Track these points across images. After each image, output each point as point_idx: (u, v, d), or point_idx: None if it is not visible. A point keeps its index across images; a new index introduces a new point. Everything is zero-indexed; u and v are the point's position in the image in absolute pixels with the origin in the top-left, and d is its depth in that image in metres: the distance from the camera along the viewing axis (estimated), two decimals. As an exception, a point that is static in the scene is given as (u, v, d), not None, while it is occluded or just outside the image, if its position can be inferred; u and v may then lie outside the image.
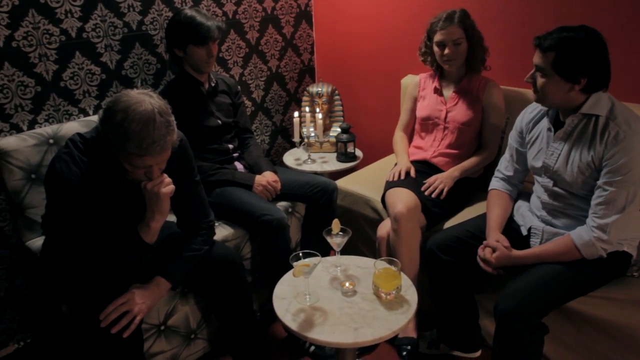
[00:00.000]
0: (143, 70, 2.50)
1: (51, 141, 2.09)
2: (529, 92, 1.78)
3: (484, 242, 1.85)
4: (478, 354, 2.07)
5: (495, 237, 1.83)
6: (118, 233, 1.62)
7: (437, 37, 2.22)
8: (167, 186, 1.60)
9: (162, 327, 1.95)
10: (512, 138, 1.97)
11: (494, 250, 1.80)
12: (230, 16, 2.84)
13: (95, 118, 2.26)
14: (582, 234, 1.66)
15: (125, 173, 1.56)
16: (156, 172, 1.55)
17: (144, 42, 2.47)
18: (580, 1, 2.21)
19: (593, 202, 1.66)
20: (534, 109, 1.89)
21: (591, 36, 1.60)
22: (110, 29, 2.34)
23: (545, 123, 1.82)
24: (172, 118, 1.52)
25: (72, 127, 2.14)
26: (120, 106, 1.44)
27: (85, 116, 2.33)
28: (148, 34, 2.48)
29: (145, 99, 1.47)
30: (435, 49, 2.25)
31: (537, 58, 1.67)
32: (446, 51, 2.21)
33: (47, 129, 2.11)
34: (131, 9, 2.39)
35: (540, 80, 1.67)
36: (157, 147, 1.45)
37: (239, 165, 2.41)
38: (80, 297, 1.62)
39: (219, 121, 2.33)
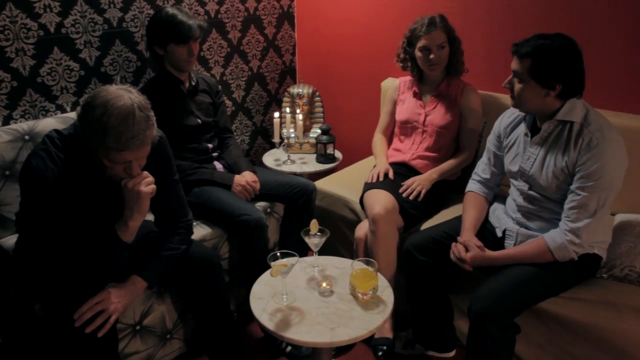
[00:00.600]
0: (123, 67, 2.48)
1: (27, 137, 2.05)
2: (507, 97, 1.82)
3: (458, 239, 1.88)
4: (452, 353, 2.09)
5: (468, 238, 1.87)
6: (95, 231, 1.60)
7: (422, 43, 2.25)
8: (148, 185, 1.59)
9: (138, 327, 1.93)
10: (490, 142, 2.01)
11: (467, 249, 1.83)
12: (213, 15, 2.83)
13: (72, 115, 2.24)
14: (555, 237, 1.70)
15: (104, 170, 1.54)
16: (136, 168, 1.54)
17: (124, 39, 2.45)
18: (561, 9, 2.26)
19: (566, 206, 1.71)
20: (512, 113, 1.92)
21: (566, 44, 1.65)
22: (90, 25, 2.32)
23: (522, 128, 1.86)
24: (152, 113, 1.51)
25: (49, 123, 2.11)
26: (99, 101, 1.43)
27: (62, 113, 2.30)
28: (129, 31, 2.47)
29: (125, 94, 1.46)
30: (419, 54, 2.28)
31: (514, 64, 1.70)
32: (432, 56, 2.24)
33: (22, 125, 2.08)
34: (112, 6, 2.37)
35: (517, 86, 1.71)
36: (137, 141, 1.45)
37: (218, 165, 2.40)
38: (54, 296, 1.59)
39: (199, 120, 2.32)
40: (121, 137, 1.42)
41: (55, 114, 2.28)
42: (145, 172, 1.61)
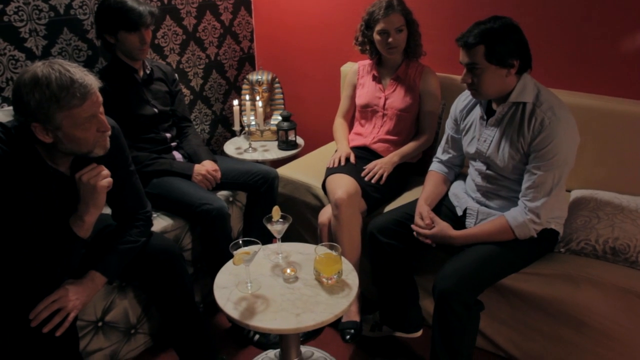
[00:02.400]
0: (73, 56, 2.38)
1: (-29, 132, 1.95)
2: (465, 79, 1.82)
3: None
4: (419, 333, 2.12)
5: (420, 209, 1.91)
6: (47, 227, 1.54)
7: (380, 26, 2.24)
8: (105, 179, 1.55)
9: (100, 324, 1.89)
10: (448, 125, 2.03)
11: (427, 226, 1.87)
12: (166, 1, 2.75)
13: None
14: (516, 216, 1.73)
15: (53, 162, 1.49)
16: (105, 121, 1.50)
17: (72, 27, 2.35)
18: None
19: (523, 185, 1.74)
20: (467, 97, 1.94)
21: (506, 22, 1.68)
22: (34, 13, 2.21)
23: (478, 111, 1.88)
24: (76, 65, 1.48)
25: (-5, 116, 2.02)
26: (28, 84, 1.38)
27: (9, 105, 2.20)
28: (77, 19, 2.37)
29: (37, 64, 1.42)
30: (377, 37, 2.27)
31: (466, 57, 1.71)
32: (390, 39, 2.24)
33: (-34, 119, 1.98)
34: (57, -8, 2.28)
35: (476, 77, 1.71)
36: (88, 87, 1.42)
37: (177, 155, 2.35)
38: (8, 296, 1.53)
39: (155, 109, 2.26)
40: (74, 91, 1.39)
41: (2, 107, 2.18)
42: (101, 166, 1.56)
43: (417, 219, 1.90)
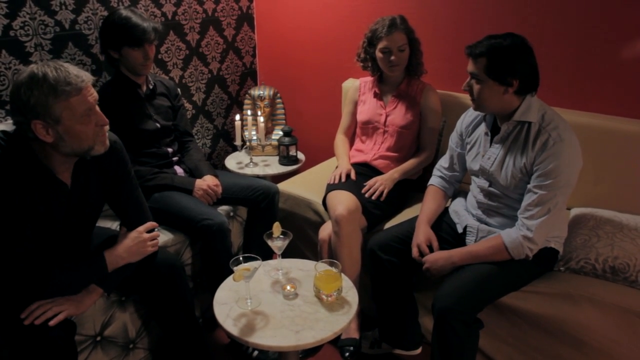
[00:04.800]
0: (76, 71, 2.40)
1: (-25, 145, 1.97)
2: (466, 96, 1.84)
3: (413, 242, 1.91)
4: (419, 351, 2.11)
5: (423, 230, 1.92)
6: (49, 237, 1.56)
7: (382, 44, 2.26)
8: (154, 246, 1.75)
9: (98, 338, 1.88)
10: (452, 140, 2.04)
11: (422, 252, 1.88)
12: (170, 17, 2.78)
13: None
14: (510, 233, 1.74)
15: (56, 165, 1.52)
16: (102, 115, 1.53)
17: (77, 42, 2.38)
18: (516, 10, 2.31)
19: (523, 203, 1.74)
20: (474, 112, 1.96)
21: (517, 41, 1.69)
22: (40, 28, 2.24)
23: (483, 128, 1.89)
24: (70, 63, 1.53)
25: (-1, 130, 2.03)
26: (25, 83, 1.41)
27: (13, 118, 2.22)
28: (82, 34, 2.39)
29: (30, 66, 1.46)
30: (380, 55, 2.29)
31: (470, 66, 1.73)
32: (392, 57, 2.26)
33: (-30, 133, 1.99)
34: (63, 7, 2.30)
35: (476, 87, 1.73)
36: (83, 78, 1.46)
37: (178, 170, 2.36)
38: (5, 304, 1.53)
39: (158, 124, 2.27)
40: (70, 80, 1.42)
41: (6, 120, 2.20)
42: (156, 232, 1.76)
43: (416, 249, 1.91)
